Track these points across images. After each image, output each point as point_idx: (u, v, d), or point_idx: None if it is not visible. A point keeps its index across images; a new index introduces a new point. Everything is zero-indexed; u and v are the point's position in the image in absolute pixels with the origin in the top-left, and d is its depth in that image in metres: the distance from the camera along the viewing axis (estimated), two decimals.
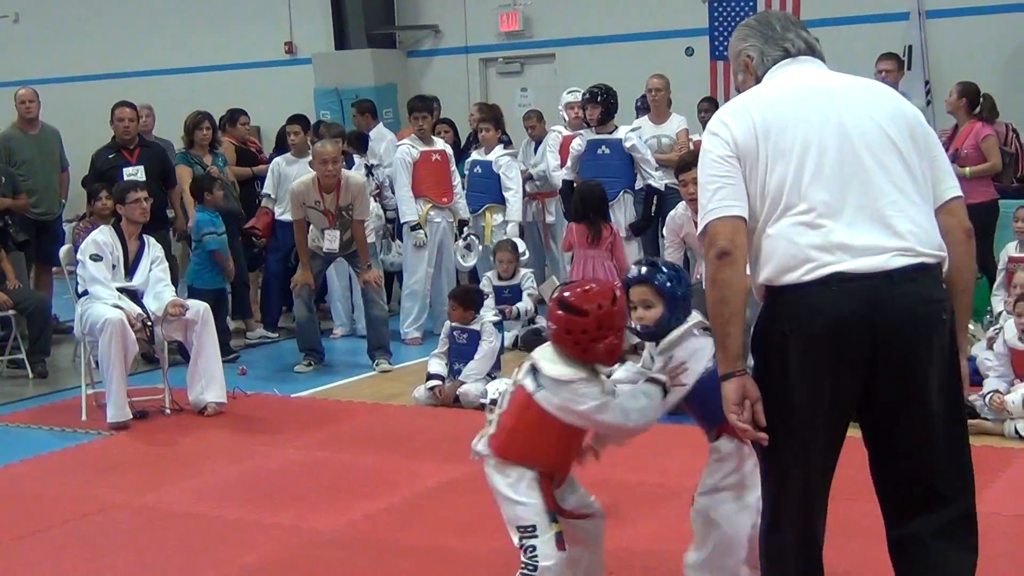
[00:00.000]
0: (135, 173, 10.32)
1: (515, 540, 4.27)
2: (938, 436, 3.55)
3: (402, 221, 10.75)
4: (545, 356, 4.26)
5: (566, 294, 4.22)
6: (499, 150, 10.99)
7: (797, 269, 3.48)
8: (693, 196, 7.60)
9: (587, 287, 4.27)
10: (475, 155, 11.21)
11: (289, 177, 10.77)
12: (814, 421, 3.53)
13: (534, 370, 4.24)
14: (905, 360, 3.48)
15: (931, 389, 3.51)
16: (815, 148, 3.52)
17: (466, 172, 11.21)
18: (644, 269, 4.45)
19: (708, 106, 11.73)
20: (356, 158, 11.18)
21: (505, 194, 10.81)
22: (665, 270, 4.42)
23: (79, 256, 8.33)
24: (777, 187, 3.53)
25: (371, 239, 10.37)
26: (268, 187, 11.11)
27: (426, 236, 10.60)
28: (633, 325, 4.42)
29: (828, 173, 3.50)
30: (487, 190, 10.92)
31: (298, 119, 11.53)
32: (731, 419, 3.57)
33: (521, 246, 10.41)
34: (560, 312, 4.17)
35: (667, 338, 4.34)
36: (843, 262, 3.44)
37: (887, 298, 3.43)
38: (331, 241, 9.52)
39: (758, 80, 3.79)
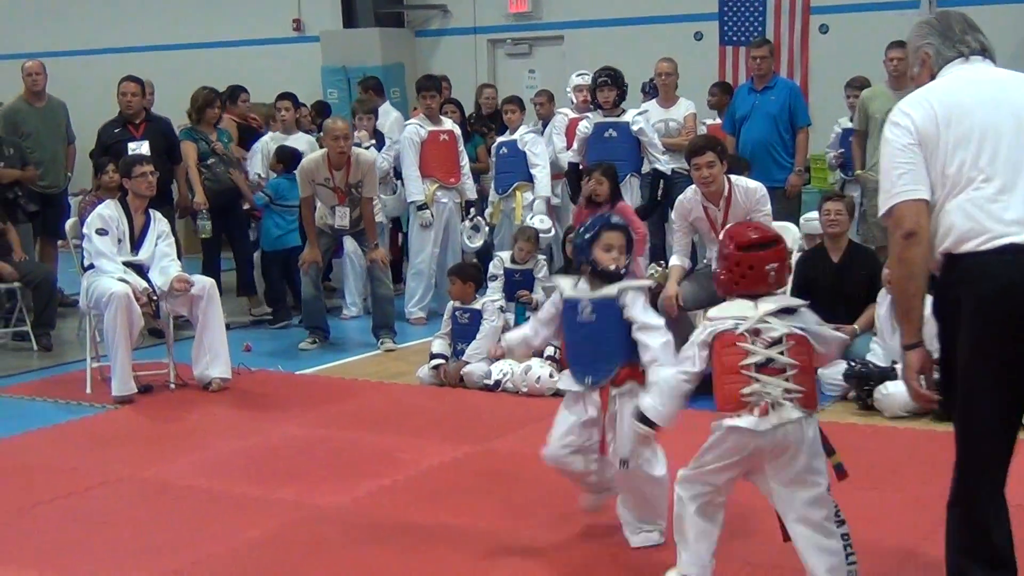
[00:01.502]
0: (138, 148, 10.32)
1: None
2: None
3: (408, 201, 10.75)
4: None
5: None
6: (523, 129, 10.98)
7: (975, 239, 3.83)
8: (704, 180, 7.60)
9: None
10: (500, 138, 11.21)
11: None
12: (984, 382, 3.81)
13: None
14: None
15: None
16: (992, 133, 3.91)
17: (493, 155, 11.20)
18: (618, 218, 5.14)
19: (719, 92, 11.70)
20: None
21: (532, 171, 10.78)
22: None
23: (85, 230, 8.34)
24: (958, 169, 3.90)
25: (379, 218, 10.38)
26: (257, 166, 11.09)
27: (432, 216, 10.61)
28: (611, 267, 5.00)
29: (1004, 156, 3.89)
30: (515, 169, 10.90)
31: (288, 96, 11.54)
32: (912, 385, 4.00)
33: (547, 222, 10.39)
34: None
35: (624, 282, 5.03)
36: (1018, 235, 3.78)
37: None
38: (341, 218, 9.52)
39: (933, 76, 4.15)
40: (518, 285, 9.83)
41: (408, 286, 10.86)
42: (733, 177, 7.74)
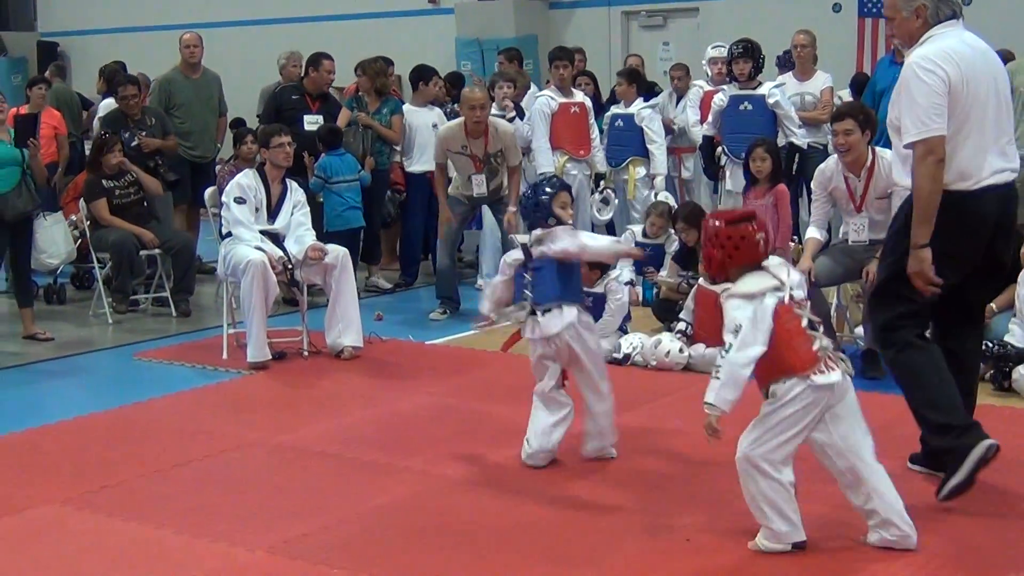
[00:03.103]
0: (315, 122, 10.58)
1: None
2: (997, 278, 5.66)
3: (537, 172, 10.73)
4: None
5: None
6: (639, 103, 10.88)
7: (966, 182, 5.19)
8: (840, 147, 7.45)
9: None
10: (615, 109, 11.13)
11: (414, 127, 10.88)
12: (958, 263, 5.26)
13: None
14: (1008, 233, 5.48)
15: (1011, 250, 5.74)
16: (983, 98, 5.18)
17: (605, 126, 11.12)
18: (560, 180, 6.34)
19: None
20: None
21: (649, 147, 10.71)
22: None
23: (223, 198, 8.50)
24: (962, 119, 5.13)
25: None
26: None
27: None
28: (569, 221, 6.02)
29: (991, 118, 5.22)
30: (629, 143, 10.83)
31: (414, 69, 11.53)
32: (927, 274, 5.17)
33: (671, 200, 10.33)
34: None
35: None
36: (993, 178, 5.23)
37: (1009, 199, 5.36)
38: (478, 186, 9.55)
39: (928, 26, 5.23)
40: (648, 260, 9.78)
41: None
42: (879, 149, 7.56)
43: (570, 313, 5.89)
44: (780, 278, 4.76)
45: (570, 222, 6.04)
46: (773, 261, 4.88)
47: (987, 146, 5.18)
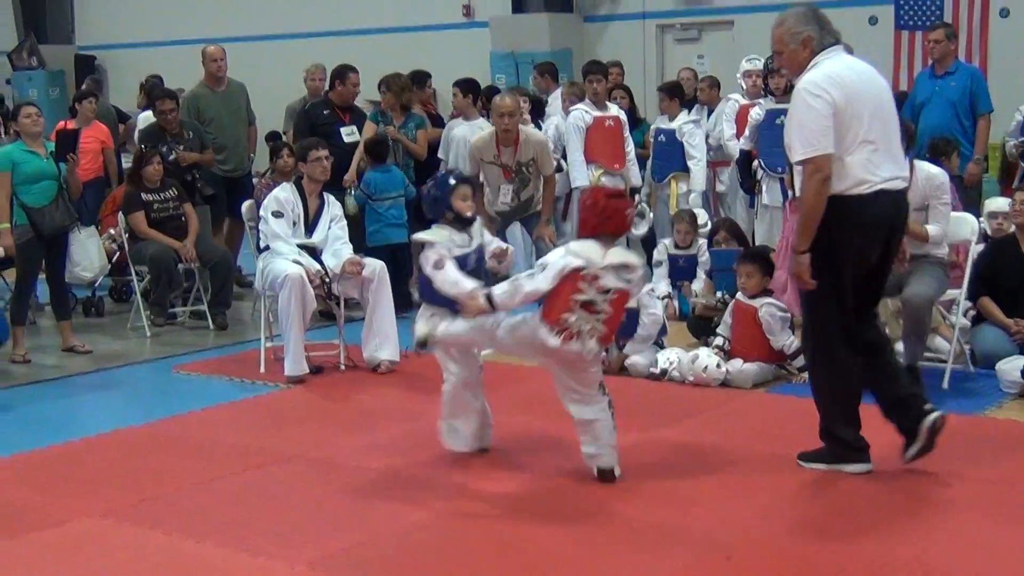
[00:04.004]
0: (351, 133, 10.63)
1: None
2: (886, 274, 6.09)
3: (572, 185, 10.73)
4: None
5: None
6: (683, 117, 10.88)
7: (862, 186, 5.64)
8: None
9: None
10: (658, 123, 11.13)
11: (455, 140, 10.88)
12: (855, 273, 5.75)
13: None
14: (898, 237, 6.00)
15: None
16: (868, 113, 5.65)
17: (651, 139, 11.14)
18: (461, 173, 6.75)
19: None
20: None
21: (688, 162, 10.72)
22: None
23: (261, 212, 8.53)
24: (853, 135, 5.60)
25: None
26: (442, 151, 11.18)
27: None
28: (468, 214, 6.24)
29: (878, 129, 5.68)
30: (671, 158, 10.84)
31: (456, 83, 11.53)
32: (805, 276, 5.73)
33: (703, 216, 10.31)
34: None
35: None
36: (886, 183, 5.69)
37: (901, 203, 5.89)
38: (504, 195, 9.49)
39: (813, 53, 5.74)
40: (682, 271, 9.79)
41: None
42: (917, 162, 7.54)
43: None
44: (606, 256, 5.64)
45: (469, 214, 6.25)
46: (618, 245, 5.86)
47: (879, 155, 5.67)
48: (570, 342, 5.62)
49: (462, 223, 6.26)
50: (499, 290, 5.76)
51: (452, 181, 6.28)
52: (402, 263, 9.94)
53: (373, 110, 11.14)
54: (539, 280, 5.66)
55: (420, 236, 6.29)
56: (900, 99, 11.26)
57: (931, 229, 7.41)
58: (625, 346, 8.16)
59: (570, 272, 5.60)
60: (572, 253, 5.66)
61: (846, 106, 5.59)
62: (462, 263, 6.13)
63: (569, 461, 6.23)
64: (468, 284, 5.95)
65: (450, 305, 6.08)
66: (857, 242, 5.72)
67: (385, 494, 5.92)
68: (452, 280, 6.00)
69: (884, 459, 5.95)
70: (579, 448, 6.03)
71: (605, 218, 5.73)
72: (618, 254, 5.74)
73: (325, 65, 12.09)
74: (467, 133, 10.69)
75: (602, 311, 5.65)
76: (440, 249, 6.11)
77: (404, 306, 8.93)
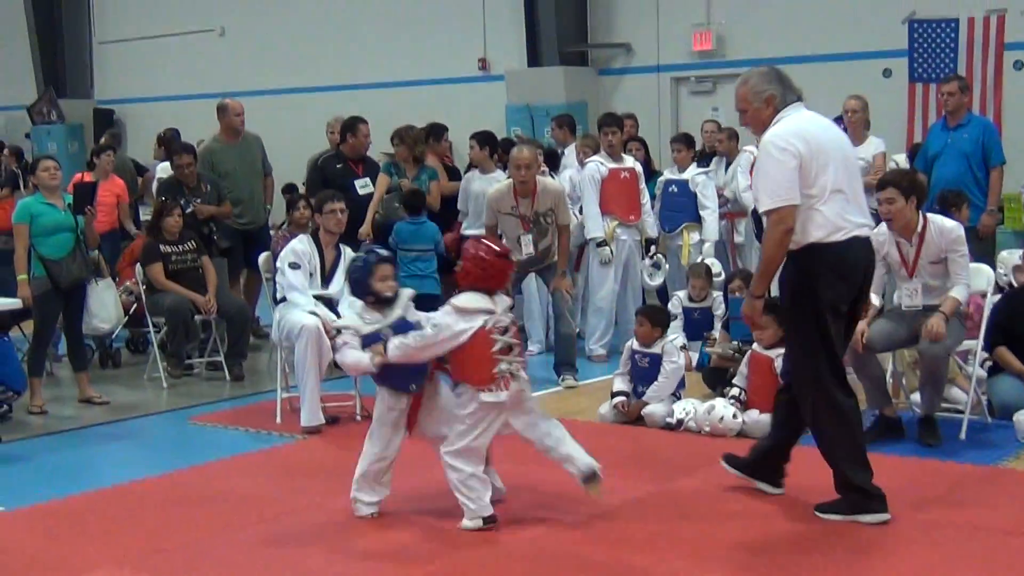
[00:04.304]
0: (365, 186, 10.70)
1: None
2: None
3: (587, 237, 10.76)
4: None
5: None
6: (693, 168, 10.92)
7: (837, 233, 5.79)
8: (887, 215, 7.46)
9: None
10: (668, 174, 11.18)
11: (472, 193, 10.95)
12: (833, 315, 5.86)
13: None
14: (870, 278, 6.18)
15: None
16: (834, 163, 5.83)
17: (658, 191, 11.18)
18: (384, 251, 6.60)
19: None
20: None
21: (702, 212, 10.75)
22: None
23: (278, 264, 8.58)
24: (821, 186, 5.77)
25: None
26: (461, 202, 11.23)
27: (612, 253, 10.60)
28: (389, 294, 6.21)
29: (845, 179, 5.86)
30: (683, 209, 10.88)
31: (473, 135, 11.57)
32: (758, 319, 6.25)
33: (717, 266, 10.33)
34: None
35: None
36: (859, 230, 5.88)
37: (871, 249, 6.10)
38: (526, 246, 9.52)
39: (776, 111, 5.92)
40: (697, 323, 9.80)
41: (589, 323, 10.86)
42: (931, 215, 7.57)
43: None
44: (494, 307, 5.95)
45: (390, 294, 6.24)
46: (501, 294, 6.09)
47: (850, 204, 5.86)
48: (511, 385, 5.94)
49: (382, 303, 6.26)
50: (391, 346, 6.00)
51: (371, 262, 6.28)
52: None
53: (386, 162, 11.20)
54: (429, 337, 5.95)
55: (337, 323, 6.69)
56: (914, 151, 11.34)
57: (956, 294, 7.40)
58: (645, 393, 8.16)
59: (475, 334, 5.89)
60: (461, 313, 5.94)
61: (812, 158, 5.76)
62: (373, 338, 6.12)
63: (582, 510, 6.22)
64: (366, 359, 6.09)
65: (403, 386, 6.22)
66: (839, 287, 5.86)
67: (404, 544, 5.92)
68: (352, 362, 6.17)
69: (900, 508, 5.93)
70: (596, 500, 6.03)
71: (489, 276, 6.03)
72: (504, 300, 6.11)
73: (338, 117, 12.17)
74: (484, 186, 10.74)
75: (515, 347, 6.04)
76: (344, 336, 6.24)
77: None
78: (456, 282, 6.34)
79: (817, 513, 6.02)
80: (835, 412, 5.95)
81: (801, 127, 5.87)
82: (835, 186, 5.80)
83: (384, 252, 6.48)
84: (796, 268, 5.90)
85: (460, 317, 5.95)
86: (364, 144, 11.10)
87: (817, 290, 5.82)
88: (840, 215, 5.82)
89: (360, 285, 6.28)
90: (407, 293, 6.38)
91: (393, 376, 6.15)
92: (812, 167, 5.76)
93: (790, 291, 6.02)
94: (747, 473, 6.53)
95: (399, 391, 6.21)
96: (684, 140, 11.22)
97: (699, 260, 10.50)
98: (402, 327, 6.15)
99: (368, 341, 6.12)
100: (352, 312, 8.27)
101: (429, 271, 10.34)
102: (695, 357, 9.60)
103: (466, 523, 5.98)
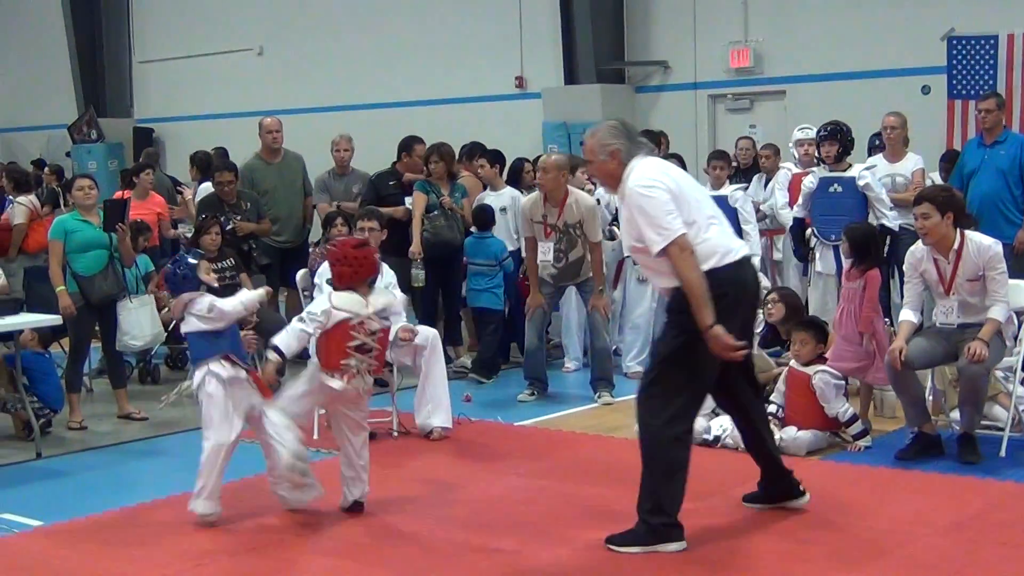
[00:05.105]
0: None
1: None
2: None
3: (625, 254, 10.73)
4: None
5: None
6: (732, 186, 10.85)
7: (728, 255, 5.86)
8: (922, 230, 7.45)
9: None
10: (708, 192, 11.13)
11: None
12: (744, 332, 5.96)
13: None
14: (758, 299, 6.63)
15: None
16: (701, 198, 6.06)
17: None
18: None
19: (948, 166, 11.26)
20: None
21: (744, 227, 10.63)
22: None
23: (316, 280, 8.62)
24: (697, 216, 5.84)
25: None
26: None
27: None
28: (215, 284, 6.83)
29: (712, 209, 6.03)
30: None
31: (483, 153, 11.73)
32: (728, 345, 5.69)
33: (765, 281, 10.28)
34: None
35: None
36: (742, 251, 6.01)
37: (755, 270, 6.34)
38: (545, 254, 9.52)
39: (622, 164, 5.94)
40: None
41: (626, 340, 10.83)
42: (968, 232, 7.52)
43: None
44: (368, 308, 6.36)
45: (216, 284, 6.84)
46: (378, 294, 6.53)
47: (727, 229, 6.02)
48: (353, 381, 6.34)
49: (215, 292, 6.70)
50: (279, 339, 6.46)
51: (193, 259, 6.72)
52: (483, 327, 10.45)
53: (420, 180, 11.25)
54: (308, 322, 6.39)
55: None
56: (948, 158, 11.29)
57: (995, 315, 7.34)
58: None
59: (339, 324, 6.30)
60: (335, 306, 6.34)
61: (680, 191, 5.84)
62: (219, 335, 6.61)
63: (618, 526, 6.19)
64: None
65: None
66: (737, 312, 5.87)
67: (437, 561, 5.92)
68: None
69: (939, 526, 5.88)
70: (626, 515, 6.01)
71: (356, 267, 6.41)
72: (379, 299, 6.49)
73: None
74: (495, 203, 11.01)
75: (372, 349, 6.40)
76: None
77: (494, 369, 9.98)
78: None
79: (610, 547, 5.93)
80: (685, 439, 6.00)
81: (658, 167, 5.99)
82: (710, 215, 5.93)
83: (191, 259, 6.80)
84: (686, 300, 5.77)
85: (336, 311, 6.33)
86: (419, 164, 11.15)
87: (718, 314, 5.71)
88: (722, 239, 5.92)
89: (192, 280, 6.59)
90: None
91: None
92: (684, 200, 5.83)
93: (676, 323, 5.90)
94: (768, 502, 6.52)
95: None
96: (722, 157, 11.17)
97: None
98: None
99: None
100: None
101: (489, 286, 10.55)
102: None
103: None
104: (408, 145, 11.43)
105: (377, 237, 8.69)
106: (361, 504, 6.65)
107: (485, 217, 10.76)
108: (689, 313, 5.72)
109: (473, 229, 10.88)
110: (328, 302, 6.39)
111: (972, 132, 12.88)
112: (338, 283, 6.49)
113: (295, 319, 6.53)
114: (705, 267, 5.75)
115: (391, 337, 8.21)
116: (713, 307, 5.67)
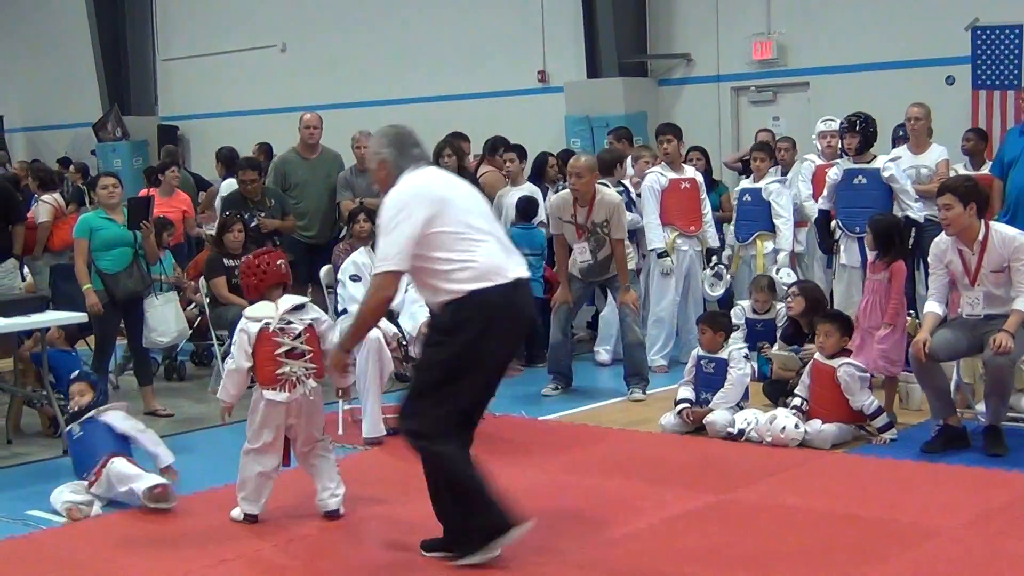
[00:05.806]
0: None
1: None
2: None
3: (648, 248, 10.73)
4: None
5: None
6: (769, 178, 10.79)
7: (498, 277, 5.59)
8: (945, 220, 7.43)
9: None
10: (744, 183, 11.12)
11: (505, 207, 11.01)
12: (490, 358, 5.65)
13: None
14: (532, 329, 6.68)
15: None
16: (479, 212, 5.75)
17: (735, 200, 11.14)
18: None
19: (973, 137, 11.27)
20: None
21: (776, 221, 10.58)
22: None
23: (339, 276, 8.65)
24: (469, 233, 5.59)
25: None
26: (495, 214, 11.26)
27: (672, 264, 10.57)
28: None
29: (488, 225, 5.72)
30: (757, 218, 10.74)
31: (510, 147, 11.71)
32: (343, 367, 6.09)
33: (792, 276, 10.24)
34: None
35: None
36: (517, 273, 5.68)
37: (530, 297, 5.88)
38: (581, 253, 9.54)
39: (391, 174, 5.77)
40: (760, 335, 9.74)
41: (650, 334, 10.79)
42: (993, 223, 7.49)
43: None
44: (278, 311, 6.32)
45: None
46: (287, 295, 6.48)
47: (502, 249, 5.69)
48: (295, 389, 6.27)
49: None
50: (220, 388, 6.50)
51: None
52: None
53: None
54: (235, 356, 6.36)
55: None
56: (979, 133, 11.22)
57: (1020, 306, 7.29)
58: (711, 401, 8.14)
59: (260, 334, 6.27)
60: (248, 320, 6.34)
61: (445, 210, 5.59)
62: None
63: (643, 520, 6.21)
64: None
65: None
66: (501, 340, 5.64)
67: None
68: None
69: (966, 519, 5.86)
70: (650, 510, 6.01)
71: (262, 274, 6.46)
72: (287, 300, 6.43)
73: (369, 131, 12.21)
74: (515, 199, 11.00)
75: (305, 352, 6.34)
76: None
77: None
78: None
79: (425, 553, 5.89)
80: (450, 453, 5.80)
81: (421, 183, 5.70)
82: (486, 232, 5.67)
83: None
84: (454, 318, 5.58)
85: (248, 323, 6.35)
86: (454, 163, 11.13)
87: (484, 337, 5.52)
88: (494, 258, 5.61)
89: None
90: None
91: None
92: (450, 218, 5.57)
93: (438, 340, 5.69)
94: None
95: None
96: (765, 149, 11.11)
97: (774, 270, 10.41)
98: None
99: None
100: (413, 323, 8.37)
101: (536, 277, 10.44)
102: (756, 367, 9.54)
103: (233, 512, 6.48)
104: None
105: None
106: (337, 512, 6.56)
107: (531, 210, 10.77)
108: (471, 331, 5.53)
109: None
110: (242, 320, 6.42)
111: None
112: (249, 296, 6.60)
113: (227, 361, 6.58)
114: (472, 287, 5.50)
115: (415, 332, 8.29)
116: (479, 329, 5.49)
